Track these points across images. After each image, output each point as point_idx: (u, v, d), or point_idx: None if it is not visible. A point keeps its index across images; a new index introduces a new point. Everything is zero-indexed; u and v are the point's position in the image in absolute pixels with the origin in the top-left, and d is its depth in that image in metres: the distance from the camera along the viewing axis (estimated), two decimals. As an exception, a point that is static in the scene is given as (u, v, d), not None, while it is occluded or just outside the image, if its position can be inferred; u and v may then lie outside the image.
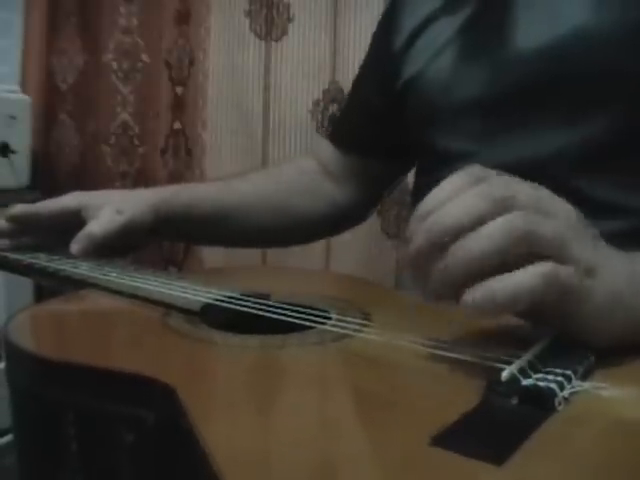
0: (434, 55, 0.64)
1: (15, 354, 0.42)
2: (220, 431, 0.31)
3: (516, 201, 0.36)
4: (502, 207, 0.35)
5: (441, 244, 0.35)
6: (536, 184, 0.39)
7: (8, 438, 1.13)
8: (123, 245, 0.67)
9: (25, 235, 0.68)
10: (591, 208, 0.40)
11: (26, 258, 0.63)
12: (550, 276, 0.35)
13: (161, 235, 0.74)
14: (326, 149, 0.81)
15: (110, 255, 0.64)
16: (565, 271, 0.36)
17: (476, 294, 0.34)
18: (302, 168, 0.82)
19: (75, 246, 0.63)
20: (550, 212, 0.37)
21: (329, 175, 0.80)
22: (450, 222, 0.35)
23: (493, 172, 0.38)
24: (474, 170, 0.38)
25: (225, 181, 0.79)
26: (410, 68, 0.67)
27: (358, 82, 0.81)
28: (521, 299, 0.34)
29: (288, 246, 0.92)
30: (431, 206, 0.36)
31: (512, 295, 0.34)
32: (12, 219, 0.67)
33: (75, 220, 0.65)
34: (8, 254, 0.66)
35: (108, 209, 0.64)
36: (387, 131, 0.75)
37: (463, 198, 0.36)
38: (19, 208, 0.67)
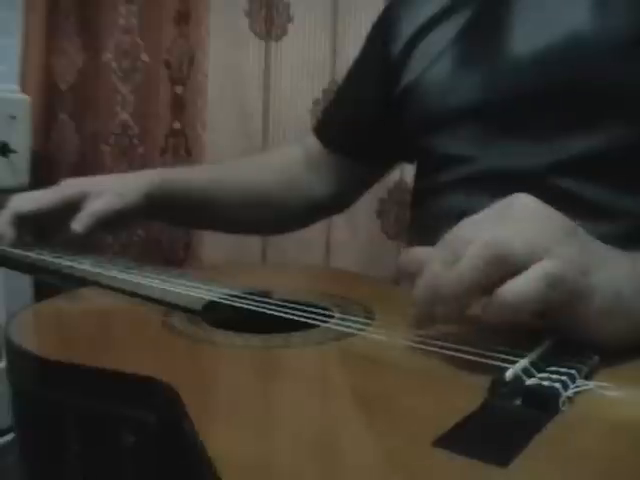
0: (432, 62, 0.64)
1: (16, 354, 0.42)
2: (221, 433, 0.31)
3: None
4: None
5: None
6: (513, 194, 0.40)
7: (9, 437, 1.13)
8: (116, 226, 0.71)
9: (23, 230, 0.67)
10: (586, 211, 0.40)
11: (30, 254, 0.63)
12: (551, 274, 0.36)
13: (150, 218, 0.78)
14: (312, 141, 0.82)
15: (102, 234, 0.66)
16: (563, 267, 0.36)
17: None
18: (286, 158, 0.83)
19: (77, 225, 0.64)
20: (518, 225, 0.38)
21: (312, 166, 0.81)
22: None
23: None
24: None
25: (213, 170, 0.83)
26: (408, 75, 0.67)
27: (349, 84, 0.80)
28: (528, 299, 0.35)
29: (263, 235, 1.00)
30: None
31: (520, 297, 0.35)
32: (19, 219, 0.66)
33: (71, 210, 0.66)
34: (11, 250, 0.65)
35: (109, 193, 0.67)
36: (375, 137, 0.76)
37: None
38: (26, 207, 0.66)
